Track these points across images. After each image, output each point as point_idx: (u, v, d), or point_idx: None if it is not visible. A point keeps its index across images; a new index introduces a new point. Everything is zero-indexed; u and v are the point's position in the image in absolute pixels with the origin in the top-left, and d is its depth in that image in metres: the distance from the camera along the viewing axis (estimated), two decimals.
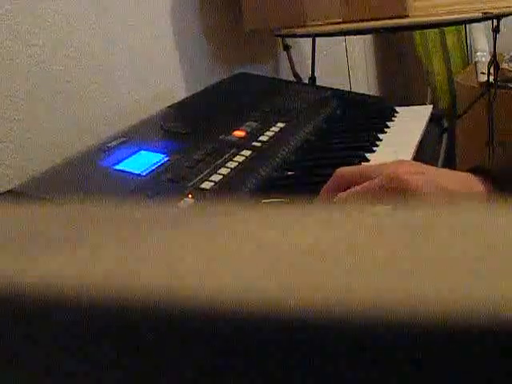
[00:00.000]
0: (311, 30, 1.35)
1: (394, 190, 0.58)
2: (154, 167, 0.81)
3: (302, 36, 1.44)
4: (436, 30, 2.45)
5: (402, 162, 0.63)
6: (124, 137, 0.90)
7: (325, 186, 0.65)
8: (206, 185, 0.79)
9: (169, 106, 1.08)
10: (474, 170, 0.62)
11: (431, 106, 1.21)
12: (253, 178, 0.84)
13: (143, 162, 0.82)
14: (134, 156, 0.84)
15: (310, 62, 1.67)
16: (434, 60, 2.52)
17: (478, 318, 0.12)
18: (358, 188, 0.60)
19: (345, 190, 0.62)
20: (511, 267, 0.13)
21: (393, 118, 1.12)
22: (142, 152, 0.85)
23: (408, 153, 0.93)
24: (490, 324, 0.11)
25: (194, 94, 1.18)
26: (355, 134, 1.04)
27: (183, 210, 0.19)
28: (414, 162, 0.65)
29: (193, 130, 0.96)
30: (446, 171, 0.64)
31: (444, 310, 0.12)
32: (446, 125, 1.16)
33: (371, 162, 0.89)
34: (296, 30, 1.35)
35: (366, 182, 0.60)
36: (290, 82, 1.44)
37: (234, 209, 0.18)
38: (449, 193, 0.58)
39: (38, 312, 0.15)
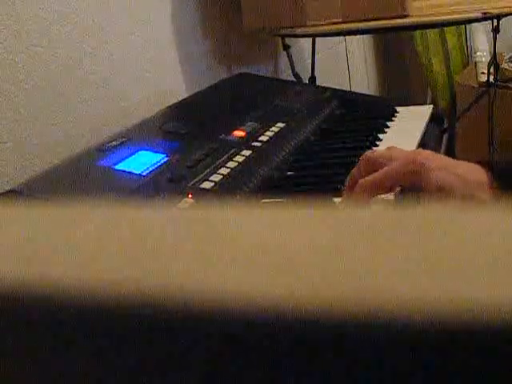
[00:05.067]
0: (311, 30, 1.35)
1: (412, 173, 0.62)
2: (153, 167, 0.81)
3: (302, 36, 1.44)
4: (436, 29, 2.45)
5: (419, 150, 0.68)
6: (124, 137, 0.90)
7: (352, 171, 0.69)
8: (206, 185, 0.79)
9: (169, 106, 1.08)
10: (480, 162, 0.65)
11: (431, 106, 1.21)
12: (253, 178, 0.84)
13: (143, 161, 0.82)
14: (133, 156, 0.84)
15: (309, 61, 1.68)
16: (433, 60, 2.52)
17: (467, 320, 0.12)
18: (377, 174, 0.65)
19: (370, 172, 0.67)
20: (507, 271, 0.13)
21: (393, 118, 1.12)
22: (142, 152, 0.85)
23: None
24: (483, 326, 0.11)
25: (193, 94, 1.18)
26: (355, 134, 1.04)
27: (183, 210, 0.19)
28: (430, 151, 0.68)
29: (193, 130, 0.96)
30: (458, 161, 0.67)
31: (437, 311, 0.12)
32: (446, 125, 1.16)
33: None
34: (296, 30, 1.35)
35: (386, 166, 0.64)
36: (290, 81, 1.44)
37: (234, 209, 0.18)
38: (458, 176, 0.62)
39: (38, 313, 0.15)
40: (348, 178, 0.70)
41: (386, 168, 0.64)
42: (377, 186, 0.64)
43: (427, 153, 0.65)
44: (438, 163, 0.63)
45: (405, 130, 1.06)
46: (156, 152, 0.86)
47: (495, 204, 0.15)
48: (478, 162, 0.65)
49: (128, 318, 0.14)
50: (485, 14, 1.31)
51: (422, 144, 1.01)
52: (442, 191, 0.61)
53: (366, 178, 0.65)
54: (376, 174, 0.65)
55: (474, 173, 0.63)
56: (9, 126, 0.86)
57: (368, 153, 0.69)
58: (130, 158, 0.83)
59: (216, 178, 0.81)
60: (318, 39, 1.69)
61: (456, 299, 0.12)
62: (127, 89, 1.10)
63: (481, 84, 2.14)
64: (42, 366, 0.16)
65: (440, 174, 0.61)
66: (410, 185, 0.64)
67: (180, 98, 1.15)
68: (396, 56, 2.66)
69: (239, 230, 0.16)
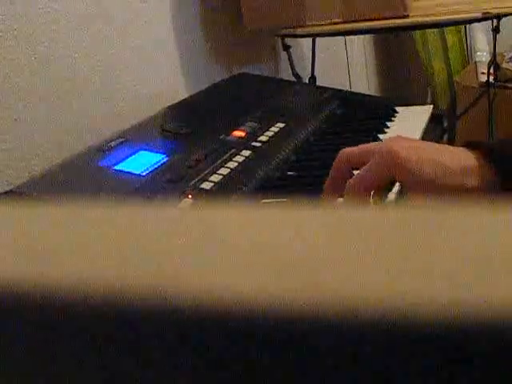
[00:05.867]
0: (311, 29, 1.35)
1: (390, 165, 0.59)
2: (153, 167, 0.81)
3: (302, 36, 1.44)
4: (436, 29, 2.45)
5: (397, 137, 0.64)
6: (124, 137, 0.90)
7: (331, 174, 0.65)
8: (206, 185, 0.79)
9: (169, 106, 1.08)
10: (468, 145, 0.62)
11: (431, 106, 1.21)
12: (253, 178, 0.84)
13: (143, 162, 0.82)
14: (133, 156, 0.84)
15: (309, 61, 1.68)
16: (433, 60, 2.52)
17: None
18: (361, 173, 0.61)
19: (350, 171, 0.64)
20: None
21: (393, 118, 1.12)
22: (142, 152, 0.85)
23: None
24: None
25: (194, 94, 1.18)
26: (355, 134, 1.04)
27: (183, 211, 0.19)
28: (408, 138, 0.66)
29: (193, 130, 0.96)
30: (439, 145, 0.65)
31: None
32: (445, 125, 1.16)
33: None
34: (296, 30, 1.35)
35: (366, 164, 0.61)
36: (290, 81, 1.44)
37: (233, 209, 0.18)
38: (440, 165, 0.59)
39: (37, 313, 0.15)
40: (327, 181, 0.65)
41: (366, 166, 0.60)
42: (365, 184, 0.61)
43: (402, 141, 0.62)
44: (416, 153, 0.59)
45: (405, 130, 1.06)
46: (156, 152, 0.86)
47: (488, 201, 0.15)
48: (466, 144, 0.62)
49: (127, 317, 0.14)
50: (485, 13, 1.31)
51: None
52: (424, 183, 0.58)
53: (353, 180, 0.61)
54: (360, 173, 0.61)
55: (458, 158, 0.60)
56: (9, 125, 0.86)
57: (345, 150, 0.64)
58: (130, 158, 0.83)
59: (216, 178, 0.81)
60: (318, 39, 1.69)
61: (450, 299, 0.12)
62: (127, 89, 1.10)
63: (481, 84, 2.14)
64: (41, 366, 0.16)
65: (419, 165, 0.58)
66: (393, 179, 0.61)
67: (180, 98, 1.15)
68: (396, 56, 2.66)
69: (238, 230, 0.16)
